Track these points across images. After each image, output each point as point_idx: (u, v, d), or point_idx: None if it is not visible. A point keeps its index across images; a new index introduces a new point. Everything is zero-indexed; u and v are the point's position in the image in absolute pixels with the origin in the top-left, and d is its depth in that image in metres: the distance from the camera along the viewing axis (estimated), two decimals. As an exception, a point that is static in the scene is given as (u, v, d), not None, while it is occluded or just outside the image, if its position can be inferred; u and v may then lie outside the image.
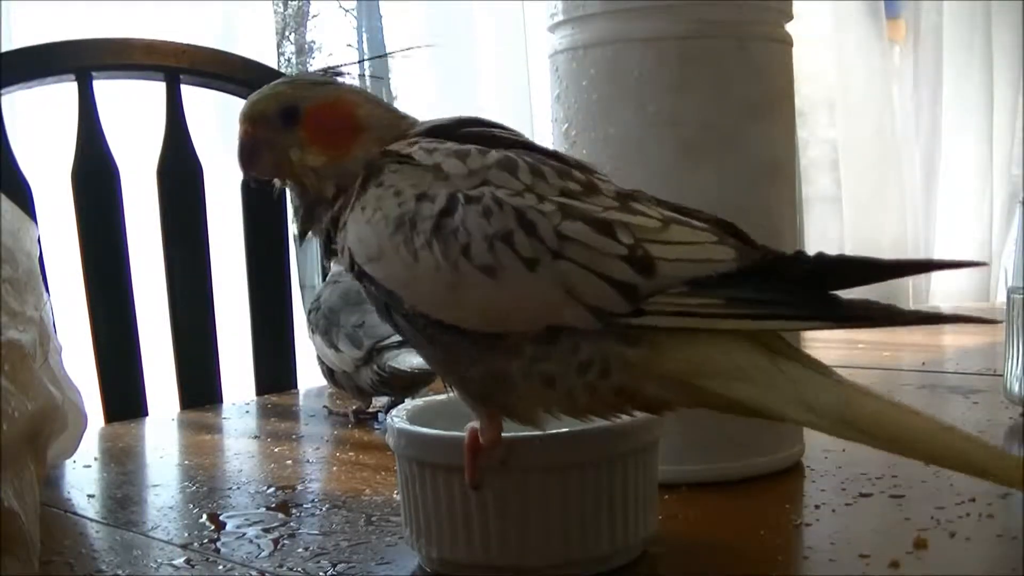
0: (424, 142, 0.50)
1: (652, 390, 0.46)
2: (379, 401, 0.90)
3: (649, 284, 0.44)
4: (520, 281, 0.45)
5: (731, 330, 0.44)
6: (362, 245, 0.48)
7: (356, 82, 0.57)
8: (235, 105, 1.29)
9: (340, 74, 0.55)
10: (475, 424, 0.49)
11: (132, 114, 1.28)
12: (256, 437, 0.87)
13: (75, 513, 0.66)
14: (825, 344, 1.21)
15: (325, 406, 0.94)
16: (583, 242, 0.45)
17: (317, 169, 0.51)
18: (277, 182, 0.53)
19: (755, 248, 0.46)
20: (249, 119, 0.52)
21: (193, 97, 1.17)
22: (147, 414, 1.06)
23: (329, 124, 0.51)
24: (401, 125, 0.52)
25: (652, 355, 0.45)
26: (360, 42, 2.26)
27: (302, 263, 1.65)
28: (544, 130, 1.98)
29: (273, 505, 0.65)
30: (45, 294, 0.66)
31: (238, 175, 1.19)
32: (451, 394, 0.51)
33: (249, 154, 0.52)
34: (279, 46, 1.89)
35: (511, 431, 0.50)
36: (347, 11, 2.27)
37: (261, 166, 0.52)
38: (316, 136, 0.51)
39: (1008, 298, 0.79)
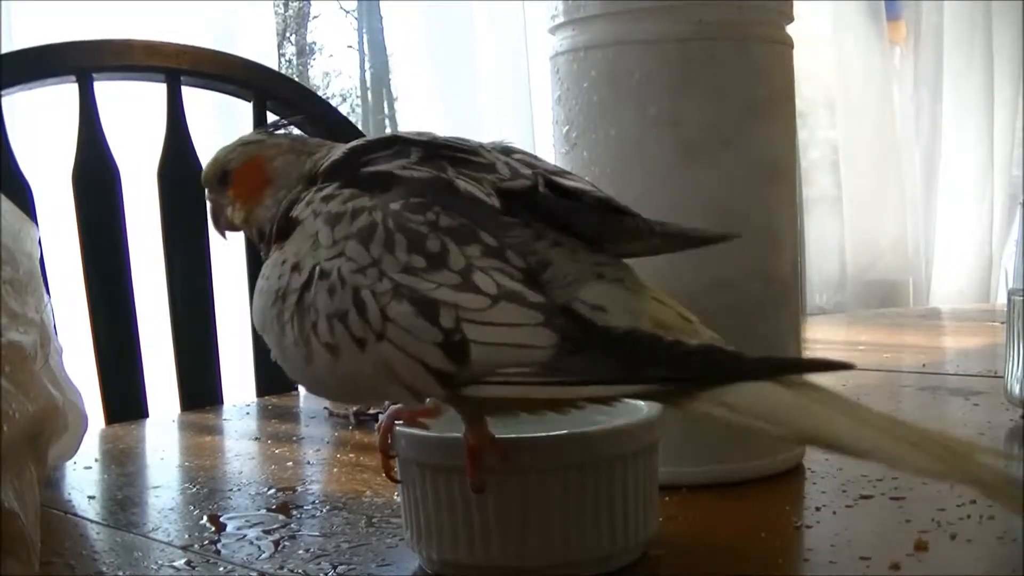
0: (319, 197, 0.50)
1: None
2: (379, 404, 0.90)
3: (463, 371, 0.44)
4: (353, 359, 0.46)
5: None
6: (257, 313, 0.52)
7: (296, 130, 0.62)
8: (236, 106, 1.29)
9: (281, 127, 0.60)
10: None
11: (133, 115, 1.28)
12: (257, 439, 0.87)
13: (75, 514, 0.66)
14: (826, 346, 1.21)
15: (326, 408, 0.94)
16: (403, 326, 0.45)
17: (242, 224, 0.57)
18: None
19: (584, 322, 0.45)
20: (206, 183, 0.59)
21: (194, 98, 1.17)
22: (147, 415, 1.06)
23: (249, 181, 0.56)
24: (306, 165, 0.54)
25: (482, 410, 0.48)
26: (361, 43, 2.26)
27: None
28: (545, 131, 1.99)
29: (274, 507, 0.65)
30: (46, 295, 0.66)
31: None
32: None
33: (211, 216, 0.60)
34: (280, 47, 1.89)
35: (512, 432, 0.50)
36: (347, 12, 2.27)
37: (221, 225, 0.59)
38: (239, 193, 0.57)
39: (1008, 300, 0.79)
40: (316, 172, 0.53)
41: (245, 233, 0.58)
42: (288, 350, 0.49)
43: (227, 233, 0.60)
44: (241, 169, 0.57)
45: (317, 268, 0.48)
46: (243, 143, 0.58)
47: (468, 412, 0.48)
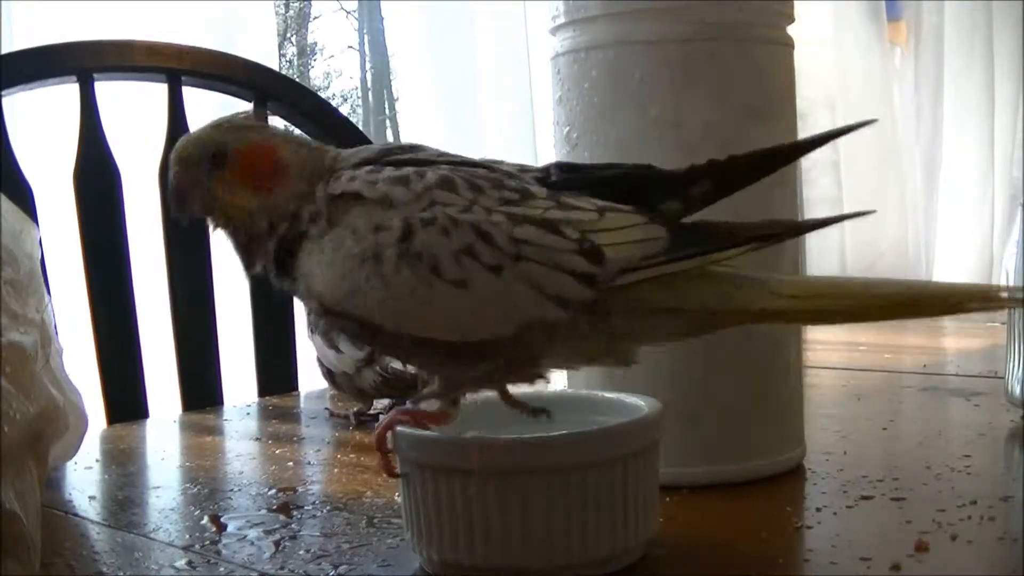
0: (363, 172, 0.52)
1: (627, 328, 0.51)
2: (380, 403, 0.90)
3: (603, 271, 0.49)
4: (489, 286, 0.49)
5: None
6: (331, 286, 0.51)
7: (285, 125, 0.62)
8: (237, 107, 1.29)
9: (266, 119, 0.59)
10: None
11: (134, 116, 1.28)
12: (257, 439, 0.87)
13: (76, 515, 0.66)
14: (827, 347, 1.21)
15: (326, 408, 0.95)
16: (537, 243, 0.49)
17: (247, 208, 0.53)
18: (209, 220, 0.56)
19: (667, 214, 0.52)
20: (177, 162, 0.55)
21: (195, 99, 1.17)
22: (148, 416, 1.06)
23: (256, 166, 0.54)
24: (325, 160, 0.54)
25: (636, 303, 0.51)
26: (361, 44, 2.26)
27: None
28: (546, 133, 1.99)
29: (274, 507, 0.65)
30: (46, 296, 0.66)
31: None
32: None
33: (178, 195, 0.55)
34: (280, 47, 1.89)
35: (513, 433, 0.50)
36: (348, 12, 2.27)
37: (190, 206, 0.55)
38: (244, 178, 0.54)
39: (1009, 300, 0.78)
40: (337, 168, 0.53)
41: (218, 221, 0.55)
42: (402, 300, 0.49)
43: (191, 217, 0.56)
44: (246, 152, 0.54)
45: (412, 220, 0.50)
46: (237, 127, 0.55)
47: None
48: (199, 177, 0.54)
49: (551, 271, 0.49)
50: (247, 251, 0.54)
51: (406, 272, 0.49)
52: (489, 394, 0.55)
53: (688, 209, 0.52)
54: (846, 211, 2.44)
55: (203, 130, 0.56)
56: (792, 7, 0.66)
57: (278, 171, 0.54)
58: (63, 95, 1.13)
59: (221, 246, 1.13)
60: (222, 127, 0.55)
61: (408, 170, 0.52)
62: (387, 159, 0.53)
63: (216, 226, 0.55)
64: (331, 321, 0.52)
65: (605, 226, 0.50)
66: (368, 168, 0.52)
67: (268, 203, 0.53)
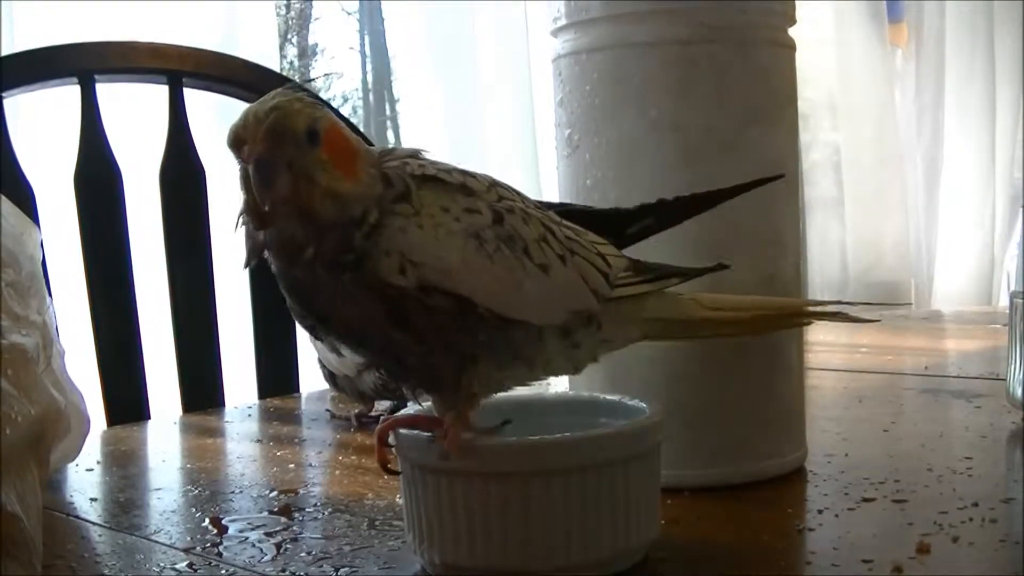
0: (426, 161, 0.52)
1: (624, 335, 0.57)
2: (381, 405, 0.90)
3: (610, 274, 0.55)
4: (561, 273, 0.53)
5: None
6: (437, 260, 0.49)
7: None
8: (238, 108, 1.29)
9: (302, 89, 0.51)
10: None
11: (135, 117, 1.28)
12: (258, 441, 0.87)
13: (77, 517, 0.66)
14: (828, 349, 1.21)
15: (328, 409, 0.95)
16: (579, 242, 0.55)
17: (345, 193, 0.48)
18: (245, 215, 0.50)
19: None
20: (274, 135, 0.47)
21: (196, 100, 1.17)
22: (149, 417, 1.06)
23: (340, 147, 0.49)
24: (368, 147, 0.52)
25: (621, 314, 0.56)
26: (362, 45, 2.26)
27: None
28: (546, 134, 1.99)
29: (275, 509, 0.65)
30: (48, 297, 0.66)
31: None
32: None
33: (265, 176, 0.47)
34: (281, 49, 1.89)
35: (514, 435, 0.50)
36: (349, 14, 2.27)
37: (279, 190, 0.48)
38: (336, 158, 0.49)
39: (1011, 302, 0.79)
40: (385, 156, 0.52)
41: (309, 207, 0.48)
42: (502, 278, 0.51)
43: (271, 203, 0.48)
44: (331, 132, 0.49)
45: (496, 207, 0.52)
46: (307, 104, 0.49)
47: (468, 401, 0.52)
48: (295, 155, 0.48)
49: (591, 267, 0.54)
50: (318, 240, 0.48)
51: (506, 251, 0.51)
52: (490, 397, 0.55)
53: (622, 244, 0.58)
54: (847, 212, 2.45)
55: (283, 101, 0.48)
56: (793, 9, 0.66)
57: (356, 154, 0.50)
58: (64, 96, 1.13)
59: (222, 248, 1.13)
60: (303, 100, 0.49)
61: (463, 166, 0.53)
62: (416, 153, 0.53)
63: (275, 217, 0.48)
64: (412, 303, 0.49)
65: (595, 239, 0.56)
66: (427, 159, 0.53)
67: (359, 189, 0.49)
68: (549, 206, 0.57)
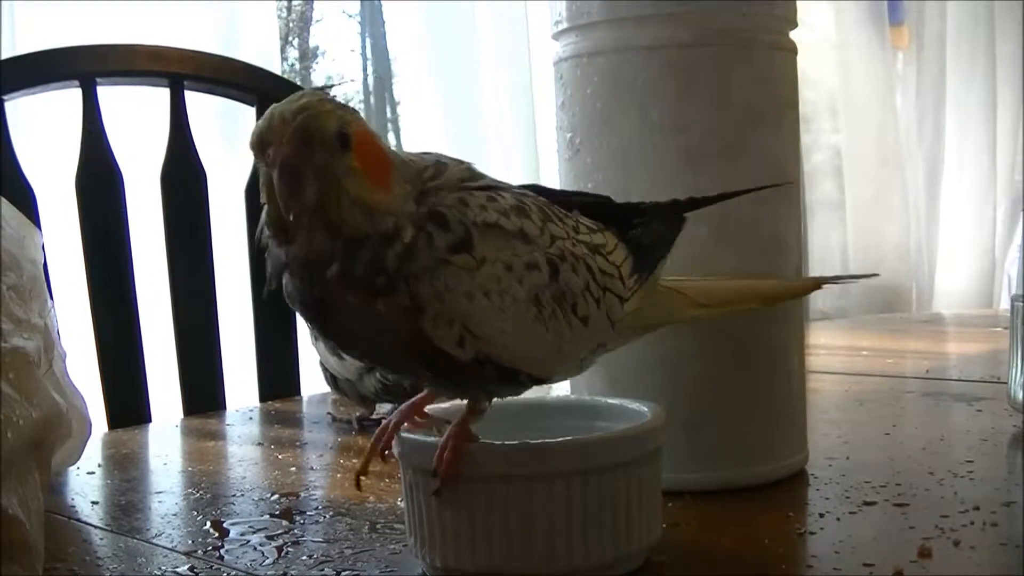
0: (483, 199, 0.49)
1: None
2: (382, 408, 0.90)
3: (625, 293, 0.53)
4: (598, 321, 0.52)
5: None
6: (500, 335, 0.48)
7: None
8: (239, 111, 1.29)
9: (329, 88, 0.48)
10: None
11: (136, 120, 1.28)
12: (260, 444, 0.87)
13: (79, 520, 0.66)
14: (829, 352, 1.21)
15: (329, 413, 0.94)
16: (607, 273, 0.52)
17: (374, 205, 0.45)
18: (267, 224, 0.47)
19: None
20: (302, 137, 0.44)
21: (197, 103, 1.17)
22: (150, 420, 1.06)
23: (373, 156, 0.46)
24: (411, 166, 0.48)
25: (625, 329, 0.54)
26: (363, 47, 2.26)
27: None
28: (548, 137, 1.99)
29: (277, 512, 0.65)
30: (49, 300, 0.66)
31: (241, 180, 1.19)
32: (461, 401, 0.53)
33: (293, 181, 0.44)
34: (282, 51, 1.89)
35: (515, 439, 0.50)
36: (350, 16, 2.27)
37: (306, 198, 0.44)
38: (368, 167, 0.45)
39: (1012, 305, 0.79)
40: (431, 183, 0.48)
41: (335, 219, 0.44)
42: (545, 344, 0.49)
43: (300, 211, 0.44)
44: (362, 137, 0.45)
45: (552, 258, 0.49)
46: (337, 105, 0.45)
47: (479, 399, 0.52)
48: (325, 160, 0.44)
49: (615, 299, 0.52)
50: (342, 257, 0.45)
51: (559, 315, 0.49)
52: (493, 400, 0.55)
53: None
54: (848, 214, 2.45)
55: (312, 101, 0.45)
56: (794, 12, 0.66)
57: (388, 165, 0.46)
58: (65, 99, 1.13)
59: (223, 250, 1.13)
60: (333, 102, 0.46)
61: (511, 197, 0.50)
62: (465, 184, 0.49)
63: (299, 229, 0.45)
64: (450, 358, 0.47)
65: (609, 247, 0.53)
66: (484, 194, 0.49)
67: (391, 202, 0.45)
68: (559, 197, 0.55)
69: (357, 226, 0.45)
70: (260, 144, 0.45)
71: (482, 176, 0.51)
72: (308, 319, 0.49)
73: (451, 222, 0.46)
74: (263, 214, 0.47)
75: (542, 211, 0.51)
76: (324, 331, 0.49)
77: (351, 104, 0.47)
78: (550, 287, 0.49)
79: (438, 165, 0.49)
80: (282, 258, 0.47)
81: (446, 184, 0.48)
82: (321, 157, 0.44)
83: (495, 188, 0.50)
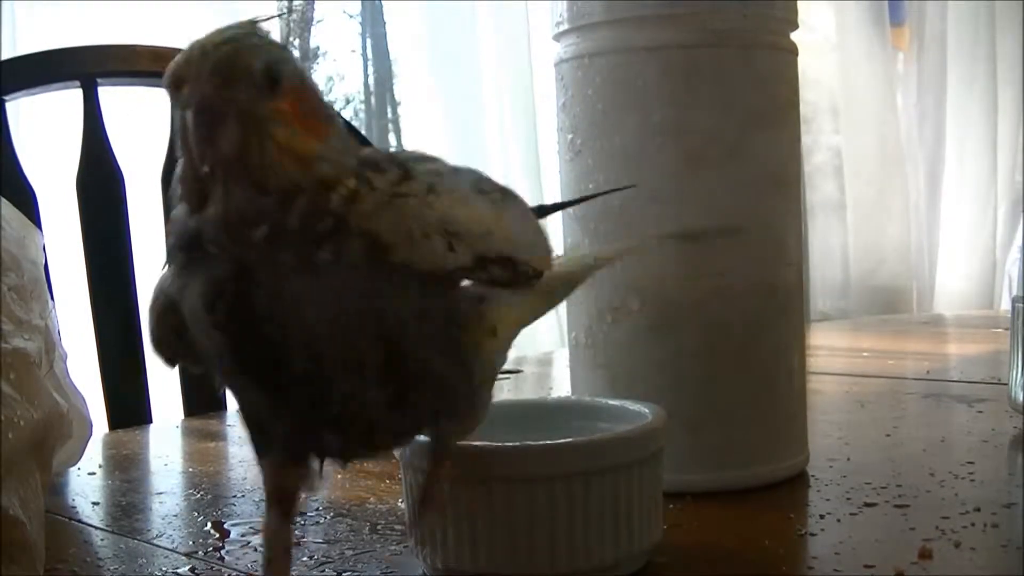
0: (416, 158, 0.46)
1: None
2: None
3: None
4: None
5: None
6: (479, 224, 0.44)
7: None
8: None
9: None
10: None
11: (137, 120, 1.28)
12: (260, 444, 0.87)
13: (80, 521, 0.66)
14: (830, 352, 1.21)
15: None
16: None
17: (305, 153, 0.40)
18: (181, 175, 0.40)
19: None
20: (222, 73, 0.38)
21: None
22: (151, 421, 1.06)
23: (307, 101, 0.41)
24: (350, 140, 0.43)
25: None
26: (364, 48, 2.26)
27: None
28: (548, 138, 1.99)
29: (277, 513, 0.65)
30: (50, 301, 0.66)
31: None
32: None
33: (212, 122, 0.38)
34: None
35: (517, 440, 0.50)
36: (351, 16, 2.27)
37: (225, 144, 0.38)
38: (299, 112, 0.40)
39: (1012, 306, 0.79)
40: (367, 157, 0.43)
41: (260, 171, 0.39)
42: (518, 222, 0.48)
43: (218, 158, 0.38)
44: (295, 79, 0.40)
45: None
46: (272, 43, 0.41)
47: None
48: (247, 101, 0.38)
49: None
50: (272, 214, 0.39)
51: (504, 199, 0.48)
52: (493, 401, 0.55)
53: None
54: (849, 215, 2.45)
55: (239, 34, 0.40)
56: (795, 13, 0.66)
57: (327, 119, 0.41)
58: (66, 100, 1.13)
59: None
60: (261, 37, 0.41)
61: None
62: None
63: (216, 183, 0.39)
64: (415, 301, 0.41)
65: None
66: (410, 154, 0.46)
67: (327, 151, 0.40)
68: None
69: (286, 176, 0.39)
70: (175, 81, 0.39)
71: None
72: (230, 329, 0.40)
73: (382, 163, 0.43)
74: (176, 171, 0.40)
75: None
76: (254, 346, 0.40)
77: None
78: (482, 179, 0.47)
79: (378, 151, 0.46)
80: (189, 226, 0.40)
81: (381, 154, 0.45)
82: (244, 98, 0.38)
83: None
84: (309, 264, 0.39)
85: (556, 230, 0.63)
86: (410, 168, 0.43)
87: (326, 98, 0.43)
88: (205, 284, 0.40)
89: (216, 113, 0.38)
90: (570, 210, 0.65)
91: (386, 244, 0.41)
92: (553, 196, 0.73)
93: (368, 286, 0.40)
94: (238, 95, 0.38)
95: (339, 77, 2.29)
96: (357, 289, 0.40)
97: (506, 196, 0.48)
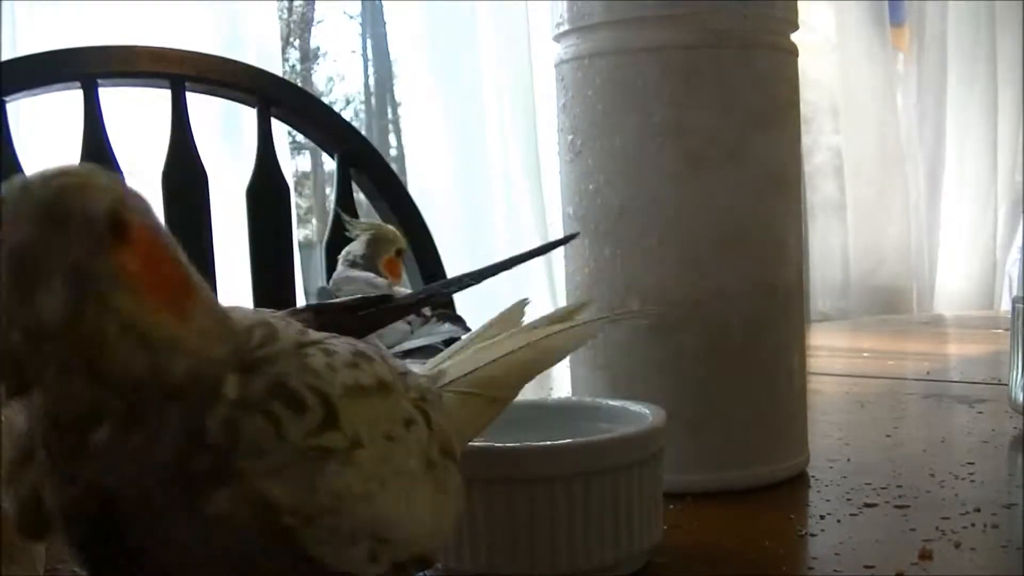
0: (324, 353, 0.35)
1: None
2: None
3: None
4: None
5: None
6: (416, 525, 0.36)
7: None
8: (240, 112, 1.29)
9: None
10: None
11: (137, 121, 1.28)
12: (260, 445, 0.87)
13: (80, 521, 0.66)
14: (830, 353, 1.21)
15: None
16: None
17: (157, 334, 0.30)
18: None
19: None
20: (49, 213, 0.28)
21: (198, 104, 1.17)
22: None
23: (163, 261, 0.31)
24: (229, 317, 0.33)
25: None
26: (364, 48, 2.26)
27: (307, 269, 1.65)
28: (548, 139, 1.99)
29: (278, 513, 0.65)
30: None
31: (243, 182, 1.19)
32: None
33: (37, 282, 0.28)
34: (284, 52, 1.90)
35: (516, 440, 0.50)
36: (351, 17, 2.27)
37: (46, 309, 0.28)
38: (151, 276, 0.30)
39: (1012, 307, 0.79)
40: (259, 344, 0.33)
41: (58, 349, 0.28)
42: (452, 513, 0.41)
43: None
44: (148, 232, 0.30)
45: (418, 403, 0.39)
46: (122, 185, 0.30)
47: None
48: (81, 254, 0.28)
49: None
50: (120, 413, 0.29)
51: (449, 466, 0.40)
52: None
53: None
54: (849, 216, 2.45)
55: (79, 170, 0.30)
56: (795, 14, 0.66)
57: (187, 288, 0.31)
58: (67, 100, 1.13)
59: (224, 251, 1.13)
60: (114, 178, 0.30)
61: (341, 344, 0.36)
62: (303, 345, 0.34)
63: (53, 352, 0.28)
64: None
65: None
66: (318, 349, 0.34)
67: (189, 337, 0.30)
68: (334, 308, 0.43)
69: (129, 365, 0.29)
70: None
71: (305, 329, 0.36)
72: (73, 542, 0.32)
73: (305, 398, 0.32)
74: None
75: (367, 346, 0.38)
76: (103, 553, 0.32)
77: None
78: (430, 441, 0.38)
79: (267, 326, 0.34)
80: (16, 424, 0.31)
81: (282, 352, 0.33)
82: (77, 248, 0.28)
83: (319, 342, 0.35)
84: (179, 504, 0.30)
85: (557, 231, 0.63)
86: (334, 403, 0.33)
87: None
88: (62, 497, 0.31)
89: (37, 267, 0.28)
90: (570, 210, 0.65)
91: (291, 529, 0.31)
92: (553, 196, 0.73)
93: (258, 545, 0.31)
94: (68, 244, 0.28)
95: (339, 77, 2.29)
96: (244, 544, 0.31)
97: (448, 460, 0.39)
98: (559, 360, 0.48)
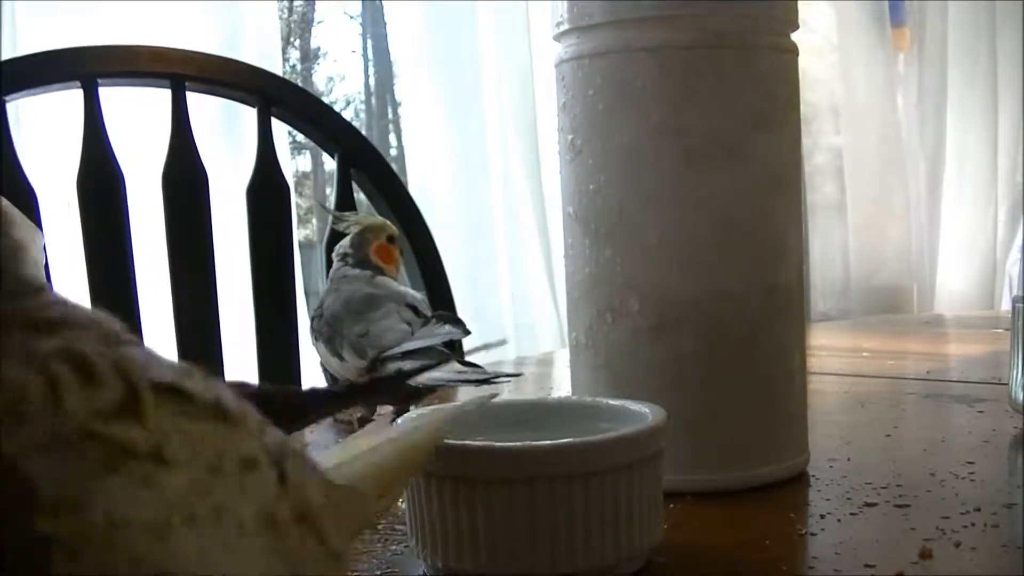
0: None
1: None
2: (383, 409, 0.90)
3: None
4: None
5: None
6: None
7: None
8: (241, 112, 1.29)
9: None
10: None
11: (137, 121, 1.28)
12: (260, 444, 0.87)
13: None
14: (831, 353, 1.21)
15: (329, 413, 0.94)
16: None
17: None
18: None
19: None
20: None
21: (198, 104, 1.17)
22: (151, 421, 1.06)
23: None
24: None
25: None
26: (365, 48, 2.26)
27: (307, 269, 1.65)
28: (549, 139, 2.00)
29: (278, 513, 0.65)
30: (51, 302, 0.66)
31: (243, 181, 1.19)
32: (468, 405, 0.52)
33: None
34: (284, 52, 1.90)
35: (516, 440, 0.50)
36: (352, 17, 2.27)
37: None
38: None
39: (1012, 307, 0.79)
40: None
41: None
42: None
43: None
44: None
45: (268, 446, 0.30)
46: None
47: None
48: None
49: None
50: None
51: (308, 539, 0.30)
52: (494, 401, 0.55)
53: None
54: (850, 216, 2.45)
55: None
56: (796, 14, 0.66)
57: None
58: (67, 100, 1.13)
59: (224, 251, 1.13)
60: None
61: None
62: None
63: None
64: None
65: None
66: (149, 353, 0.29)
67: None
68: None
69: None
70: None
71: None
72: None
73: (102, 370, 0.26)
74: None
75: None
76: None
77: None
78: (280, 494, 0.29)
79: (76, 306, 0.29)
80: None
81: (82, 325, 0.29)
82: None
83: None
84: None
85: (557, 231, 0.63)
86: (140, 392, 0.26)
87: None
88: None
89: None
90: (570, 210, 0.65)
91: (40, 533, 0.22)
92: (553, 196, 0.73)
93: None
94: None
95: (339, 78, 2.29)
96: None
97: (306, 532, 0.30)
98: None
